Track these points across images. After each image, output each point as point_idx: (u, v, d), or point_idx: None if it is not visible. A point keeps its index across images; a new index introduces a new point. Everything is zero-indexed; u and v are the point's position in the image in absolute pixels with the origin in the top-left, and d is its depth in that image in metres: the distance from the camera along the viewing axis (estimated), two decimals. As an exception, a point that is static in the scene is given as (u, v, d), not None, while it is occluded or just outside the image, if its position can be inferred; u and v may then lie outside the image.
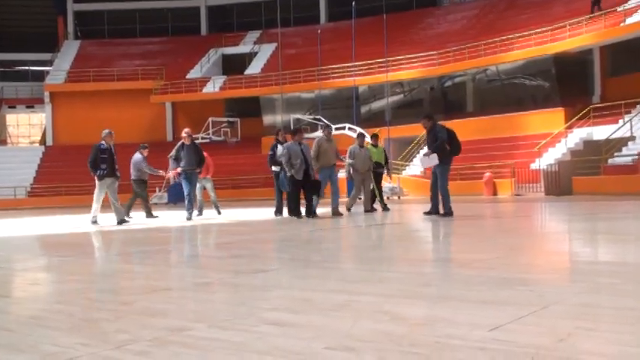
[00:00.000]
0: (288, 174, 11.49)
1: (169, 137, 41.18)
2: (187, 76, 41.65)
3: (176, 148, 12.78)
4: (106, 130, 11.90)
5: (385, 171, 14.27)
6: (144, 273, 4.89)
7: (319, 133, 15.92)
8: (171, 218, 13.97)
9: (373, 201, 13.78)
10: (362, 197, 13.50)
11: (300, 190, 11.66)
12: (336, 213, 11.85)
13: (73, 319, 2.95)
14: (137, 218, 13.76)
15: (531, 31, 30.59)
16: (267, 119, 39.58)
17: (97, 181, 11.75)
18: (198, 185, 14.10)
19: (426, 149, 11.07)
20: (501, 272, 4.00)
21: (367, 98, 37.12)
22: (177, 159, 12.63)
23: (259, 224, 11.13)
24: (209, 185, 14.70)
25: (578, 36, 28.53)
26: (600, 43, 28.73)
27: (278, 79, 37.67)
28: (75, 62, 44.19)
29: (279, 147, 12.32)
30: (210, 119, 37.66)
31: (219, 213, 14.36)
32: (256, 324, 2.68)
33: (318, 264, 4.89)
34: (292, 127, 13.62)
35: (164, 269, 5.07)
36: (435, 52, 33.95)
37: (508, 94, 31.99)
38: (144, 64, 43.38)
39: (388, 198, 14.32)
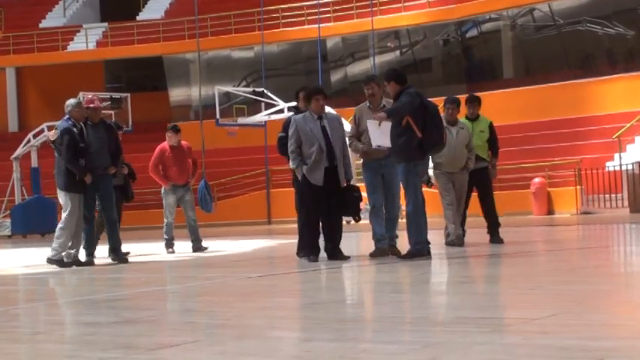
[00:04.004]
0: (299, 175, 10.15)
1: (12, 126, 40.55)
2: (41, 25, 41.26)
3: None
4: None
5: (490, 166, 12.32)
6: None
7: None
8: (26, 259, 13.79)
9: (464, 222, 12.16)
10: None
11: (319, 207, 10.05)
12: (403, 254, 9.95)
13: None
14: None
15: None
16: (177, 94, 39.36)
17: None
18: (171, 199, 13.29)
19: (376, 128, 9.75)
20: (561, 338, 4.05)
21: (341, 58, 37.18)
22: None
23: (169, 267, 11.04)
24: (189, 197, 13.57)
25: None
26: None
27: (193, 28, 37.55)
28: None
29: None
30: (81, 95, 37.38)
31: (202, 248, 13.30)
32: None
33: (259, 332, 4.90)
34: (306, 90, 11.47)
35: (8, 346, 5.00)
36: (450, -17, 34.32)
37: (569, 49, 32.40)
38: (-32, 4, 42.97)
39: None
